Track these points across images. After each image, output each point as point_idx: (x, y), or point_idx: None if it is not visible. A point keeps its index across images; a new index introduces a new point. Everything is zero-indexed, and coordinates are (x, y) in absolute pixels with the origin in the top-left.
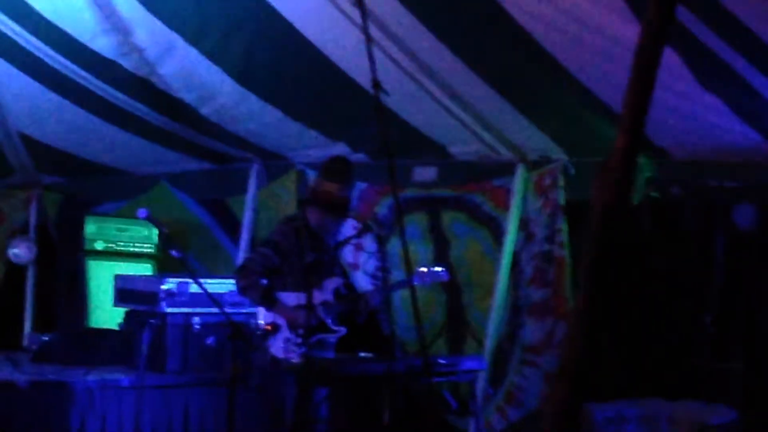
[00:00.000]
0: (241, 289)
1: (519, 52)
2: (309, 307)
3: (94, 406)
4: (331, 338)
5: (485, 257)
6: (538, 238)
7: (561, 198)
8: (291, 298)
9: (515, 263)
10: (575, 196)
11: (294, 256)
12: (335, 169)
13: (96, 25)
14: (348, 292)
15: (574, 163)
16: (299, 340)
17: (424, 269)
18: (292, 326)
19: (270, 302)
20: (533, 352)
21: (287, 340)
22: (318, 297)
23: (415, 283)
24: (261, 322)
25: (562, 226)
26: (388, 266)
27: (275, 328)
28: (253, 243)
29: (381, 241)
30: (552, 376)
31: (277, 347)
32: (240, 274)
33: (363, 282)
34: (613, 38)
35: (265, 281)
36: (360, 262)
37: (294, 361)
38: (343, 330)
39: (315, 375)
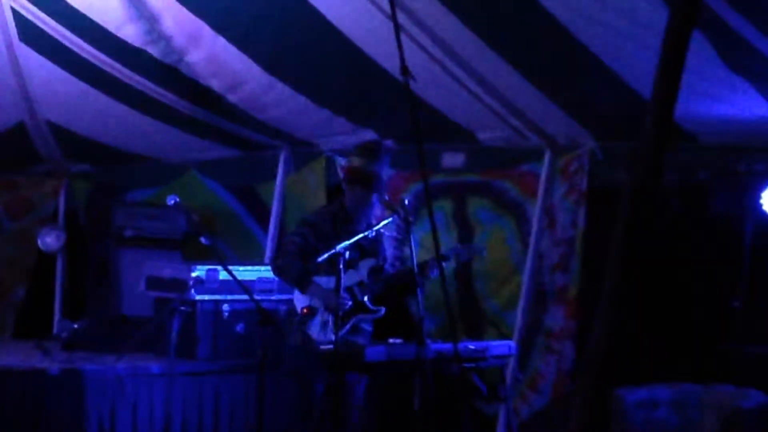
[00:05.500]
0: (277, 269)
1: (547, 38)
2: (338, 290)
3: (125, 394)
4: (370, 318)
5: (506, 246)
6: (562, 224)
7: (585, 183)
8: (326, 281)
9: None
10: (602, 181)
11: (330, 240)
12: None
13: (123, 14)
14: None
15: (602, 149)
16: (338, 322)
17: (459, 245)
18: (329, 308)
19: (305, 284)
20: (554, 338)
21: (325, 323)
22: (354, 277)
23: (451, 257)
24: (297, 305)
25: (581, 211)
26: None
27: (312, 310)
28: (282, 229)
29: (408, 226)
30: (563, 362)
31: (314, 329)
32: (278, 253)
33: None
34: (642, 23)
35: (300, 264)
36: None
37: (331, 341)
38: (382, 310)
39: (345, 361)
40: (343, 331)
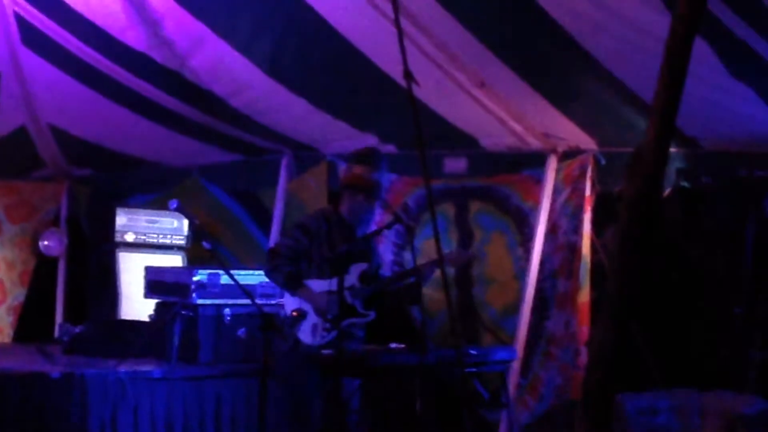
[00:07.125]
0: (268, 271)
1: (549, 43)
2: (340, 292)
3: (126, 398)
4: (360, 323)
5: (507, 251)
6: (564, 229)
7: (588, 189)
8: (317, 285)
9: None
10: (605, 186)
11: (323, 242)
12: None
13: (126, 18)
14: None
15: (604, 154)
16: (327, 325)
17: (455, 250)
18: (319, 312)
19: (294, 286)
20: (554, 344)
21: (315, 326)
22: (345, 282)
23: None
24: (287, 308)
25: (585, 216)
26: (411, 256)
27: (301, 314)
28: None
29: (410, 232)
30: (566, 368)
31: (305, 333)
32: (269, 255)
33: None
34: (644, 28)
35: (290, 266)
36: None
37: (322, 345)
38: (372, 314)
39: (346, 366)
40: (331, 335)
